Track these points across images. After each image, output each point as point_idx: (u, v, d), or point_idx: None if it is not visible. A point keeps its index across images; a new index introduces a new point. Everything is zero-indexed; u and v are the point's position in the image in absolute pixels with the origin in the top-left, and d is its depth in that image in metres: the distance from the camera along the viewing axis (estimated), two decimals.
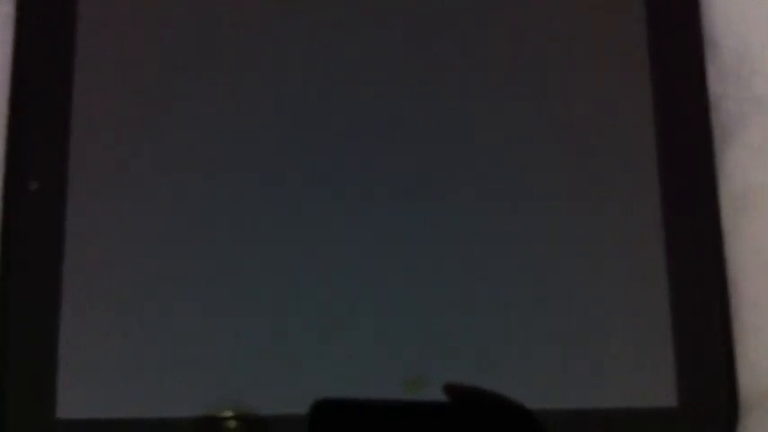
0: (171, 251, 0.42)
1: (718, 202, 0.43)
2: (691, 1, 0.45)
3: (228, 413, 0.41)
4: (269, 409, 0.41)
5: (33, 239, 0.42)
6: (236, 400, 0.41)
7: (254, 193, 0.43)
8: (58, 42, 0.44)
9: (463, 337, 0.42)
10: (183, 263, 0.42)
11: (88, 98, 0.43)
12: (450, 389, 0.41)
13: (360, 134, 0.43)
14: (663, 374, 0.42)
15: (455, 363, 0.41)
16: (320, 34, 0.44)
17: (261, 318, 0.42)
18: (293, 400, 0.40)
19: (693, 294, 0.42)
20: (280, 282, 0.42)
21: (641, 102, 0.44)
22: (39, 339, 0.41)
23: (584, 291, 0.42)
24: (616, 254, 0.43)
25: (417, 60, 0.44)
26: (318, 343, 0.41)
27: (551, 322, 0.42)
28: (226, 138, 0.43)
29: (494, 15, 0.45)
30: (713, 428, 0.42)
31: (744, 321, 0.43)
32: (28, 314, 0.41)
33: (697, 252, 0.43)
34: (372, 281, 0.42)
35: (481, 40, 0.44)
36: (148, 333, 0.41)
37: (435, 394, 0.41)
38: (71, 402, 0.41)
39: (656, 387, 0.42)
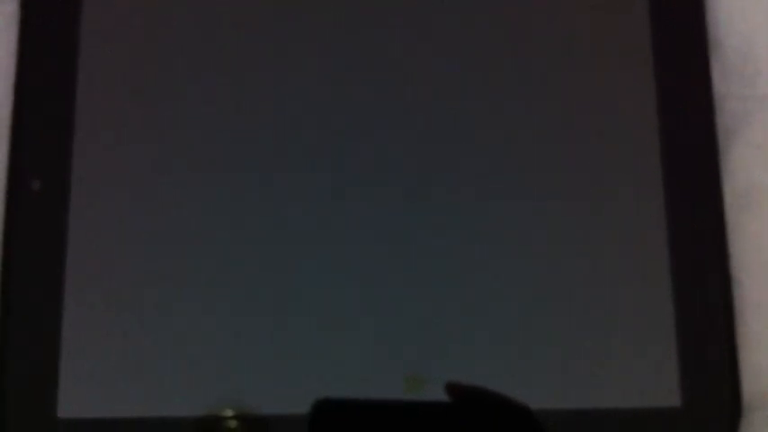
0: (172, 251, 0.42)
1: (722, 200, 0.43)
2: (695, 1, 0.45)
3: (229, 413, 0.41)
4: (269, 408, 0.41)
5: (36, 239, 0.42)
6: (236, 399, 0.41)
7: (255, 194, 0.43)
8: (61, 42, 0.44)
9: (463, 337, 0.42)
10: (185, 263, 0.42)
11: (91, 98, 0.44)
12: (451, 388, 0.41)
13: (360, 134, 0.43)
14: (666, 374, 0.42)
15: (455, 363, 0.41)
16: (320, 34, 0.44)
17: (261, 318, 0.42)
18: (294, 399, 0.41)
19: (697, 294, 0.42)
20: (280, 282, 0.42)
21: (645, 101, 0.44)
22: (40, 339, 0.41)
23: (586, 290, 0.42)
24: (619, 253, 0.43)
25: (418, 60, 0.44)
26: (319, 343, 0.41)
27: (554, 322, 0.42)
28: (227, 138, 0.43)
29: (497, 15, 0.45)
30: (716, 428, 0.42)
31: (747, 321, 0.43)
32: (29, 313, 0.41)
33: (700, 251, 0.43)
34: (372, 281, 0.42)
35: (483, 40, 0.44)
36: (149, 333, 0.41)
37: (435, 393, 0.41)
38: (72, 402, 0.41)
39: (659, 387, 0.42)
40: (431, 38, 0.44)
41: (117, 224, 0.42)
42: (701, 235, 0.43)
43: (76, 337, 0.41)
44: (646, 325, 0.42)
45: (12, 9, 0.45)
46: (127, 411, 0.41)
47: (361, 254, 0.42)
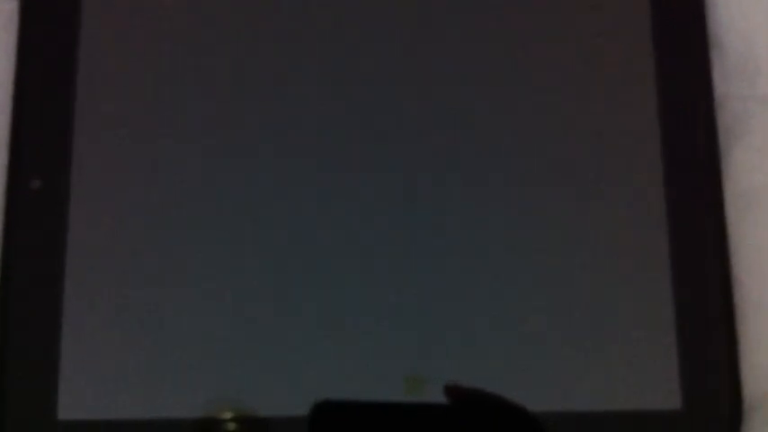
0: (172, 251, 0.42)
1: (723, 200, 0.43)
2: (696, 1, 0.45)
3: (228, 414, 0.41)
4: (269, 410, 0.41)
5: (35, 238, 0.42)
6: (236, 401, 0.41)
7: (255, 194, 0.43)
8: (61, 41, 0.44)
9: (463, 337, 0.42)
10: (184, 263, 0.42)
11: (91, 96, 0.43)
12: (450, 390, 0.41)
13: (360, 134, 0.43)
14: (667, 377, 0.42)
15: (455, 363, 0.41)
16: (320, 34, 0.44)
17: (261, 319, 0.42)
18: (293, 401, 0.40)
19: (697, 296, 0.42)
20: (280, 282, 0.42)
21: (646, 102, 0.44)
22: (40, 340, 0.41)
23: (587, 292, 0.42)
24: (620, 255, 0.43)
25: (418, 60, 0.44)
26: (318, 344, 0.41)
27: (554, 323, 0.42)
28: (228, 137, 0.43)
29: (497, 15, 0.45)
30: (717, 430, 0.41)
31: (747, 323, 0.43)
32: (29, 314, 0.41)
33: (701, 251, 0.43)
34: (372, 281, 0.42)
35: (484, 40, 0.44)
36: (149, 334, 0.41)
37: (435, 394, 0.41)
38: (72, 403, 0.41)
39: (659, 389, 0.41)
40: (431, 38, 0.44)
41: (117, 224, 0.42)
42: (702, 235, 0.43)
43: (76, 338, 0.41)
44: (646, 326, 0.42)
45: (11, 7, 0.45)
46: (127, 413, 0.41)
47: (361, 254, 0.42)
